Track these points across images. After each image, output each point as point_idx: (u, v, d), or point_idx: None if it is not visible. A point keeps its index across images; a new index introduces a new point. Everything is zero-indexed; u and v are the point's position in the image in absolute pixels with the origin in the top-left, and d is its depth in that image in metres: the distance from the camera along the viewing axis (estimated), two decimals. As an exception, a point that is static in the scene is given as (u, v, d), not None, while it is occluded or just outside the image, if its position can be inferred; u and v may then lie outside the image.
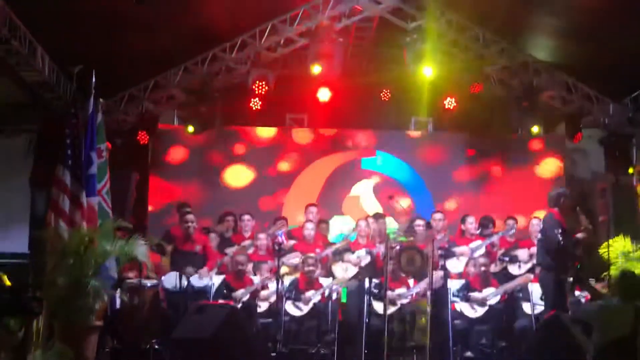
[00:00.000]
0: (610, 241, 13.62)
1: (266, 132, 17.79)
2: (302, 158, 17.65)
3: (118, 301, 12.66)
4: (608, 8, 13.65)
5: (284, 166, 17.67)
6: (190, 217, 14.55)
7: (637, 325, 8.80)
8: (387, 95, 17.14)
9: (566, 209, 12.19)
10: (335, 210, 17.23)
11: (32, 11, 12.53)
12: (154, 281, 13.30)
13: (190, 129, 16.57)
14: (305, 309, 13.53)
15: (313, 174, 17.58)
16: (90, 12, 13.31)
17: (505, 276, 14.15)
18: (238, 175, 17.52)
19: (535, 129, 16.91)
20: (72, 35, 13.59)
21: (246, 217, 15.17)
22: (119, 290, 12.52)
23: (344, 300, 14.15)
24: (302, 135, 17.85)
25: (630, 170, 16.63)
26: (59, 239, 11.54)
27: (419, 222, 14.54)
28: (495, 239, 14.62)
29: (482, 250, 14.42)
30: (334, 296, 13.75)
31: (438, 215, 15.13)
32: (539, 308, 13.25)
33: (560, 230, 12.03)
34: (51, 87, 14.39)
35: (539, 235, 12.35)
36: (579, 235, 12.31)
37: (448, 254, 14.37)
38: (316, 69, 15.45)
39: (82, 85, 12.96)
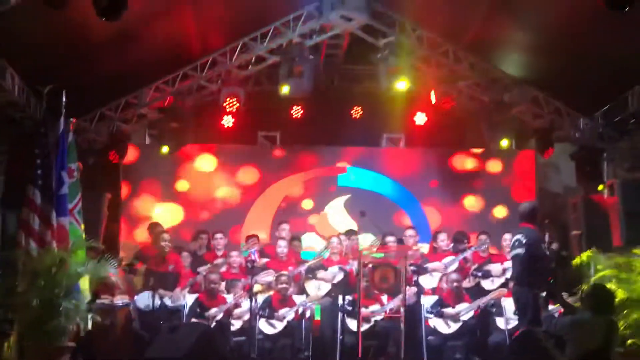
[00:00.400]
0: (582, 255, 13.63)
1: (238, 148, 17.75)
2: (272, 174, 17.56)
3: (90, 322, 12.56)
4: (577, 23, 13.71)
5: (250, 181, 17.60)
6: (166, 236, 14.53)
7: (609, 338, 8.86)
8: (359, 112, 17.22)
9: (538, 222, 12.21)
10: (307, 227, 17.17)
11: (1, 31, 12.45)
12: (126, 301, 13.25)
13: (165, 149, 16.50)
14: (279, 326, 13.50)
15: (281, 191, 17.49)
16: (59, 32, 13.24)
17: (478, 291, 14.18)
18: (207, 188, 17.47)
19: (505, 144, 16.92)
20: (42, 54, 13.51)
21: (218, 235, 15.13)
22: (90, 311, 12.43)
23: (317, 317, 14.14)
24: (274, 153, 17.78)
25: (600, 187, 16.67)
26: (30, 259, 11.49)
27: (391, 238, 14.52)
28: (468, 254, 14.64)
29: (455, 266, 14.44)
30: (308, 314, 13.73)
31: (410, 232, 15.14)
32: (513, 323, 13.26)
33: (545, 246, 12.07)
34: (21, 107, 14.28)
35: (518, 250, 12.34)
36: (553, 247, 12.36)
37: (421, 270, 14.43)
38: (285, 89, 15.40)
39: (53, 104, 12.91)
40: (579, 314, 9.35)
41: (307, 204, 17.47)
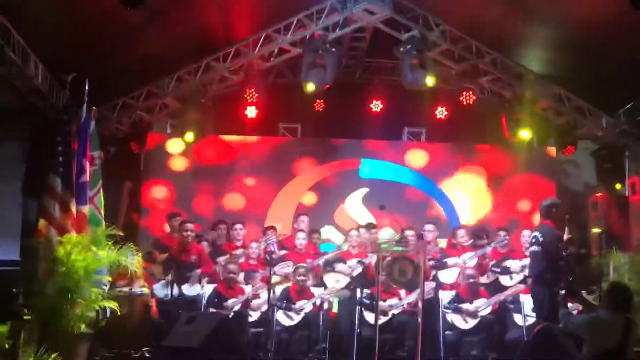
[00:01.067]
0: (603, 253, 13.61)
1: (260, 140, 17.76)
2: (292, 166, 17.59)
3: (108, 310, 12.61)
4: (601, 20, 13.67)
5: (275, 173, 17.60)
6: (189, 225, 14.54)
7: (627, 337, 8.81)
8: (379, 106, 17.23)
9: (557, 219, 12.18)
10: (327, 220, 17.19)
11: (25, 19, 12.51)
12: (145, 290, 13.29)
13: (189, 137, 16.51)
14: (297, 318, 13.51)
15: (303, 183, 17.51)
16: (83, 21, 13.29)
17: (496, 287, 14.16)
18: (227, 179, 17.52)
19: (524, 134, 16.83)
20: (66, 43, 13.57)
21: (238, 225, 15.14)
22: (109, 299, 12.48)
23: (335, 310, 14.15)
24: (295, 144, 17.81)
25: (618, 186, 16.63)
26: (50, 246, 11.53)
27: (410, 232, 14.51)
28: (487, 250, 14.60)
29: (474, 262, 14.41)
30: (326, 306, 13.73)
31: (429, 226, 15.12)
32: (530, 319, 13.27)
33: (562, 243, 12.06)
34: (44, 94, 14.36)
35: (535, 247, 12.32)
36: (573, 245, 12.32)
37: (440, 265, 14.40)
38: (310, 87, 15.36)
39: (75, 93, 12.95)
40: (596, 312, 9.31)
41: (327, 196, 17.47)
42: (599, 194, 16.34)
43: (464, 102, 16.33)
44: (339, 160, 17.61)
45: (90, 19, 13.39)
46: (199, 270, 14.05)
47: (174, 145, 17.22)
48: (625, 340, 8.81)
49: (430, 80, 15.29)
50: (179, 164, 17.37)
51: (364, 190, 17.38)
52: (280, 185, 17.47)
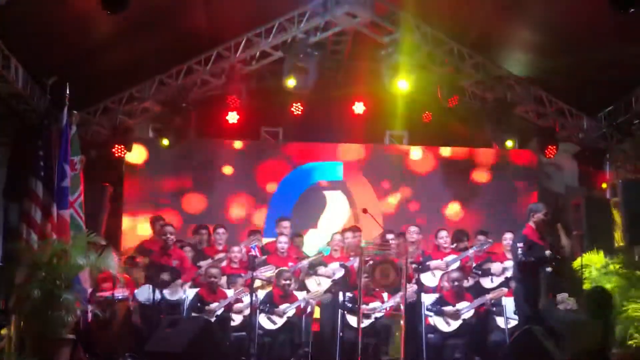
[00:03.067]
0: (585, 255, 13.65)
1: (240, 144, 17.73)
2: (277, 170, 17.57)
3: (90, 314, 12.58)
4: (583, 23, 13.73)
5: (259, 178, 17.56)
6: (169, 229, 14.52)
7: (606, 339, 8.88)
8: (361, 108, 17.21)
9: (548, 225, 12.23)
10: (310, 224, 17.17)
11: (5, 22, 12.46)
12: (126, 294, 13.27)
13: (165, 142, 16.48)
14: (279, 322, 13.49)
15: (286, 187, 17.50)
16: (65, 24, 13.26)
17: (478, 290, 14.19)
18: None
19: (509, 144, 16.90)
20: (47, 47, 13.54)
21: (220, 230, 15.13)
22: (90, 304, 12.45)
23: (317, 314, 14.15)
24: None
25: (604, 185, 16.71)
26: (30, 251, 11.50)
27: (391, 235, 14.52)
28: (470, 253, 14.62)
29: (457, 264, 14.43)
30: (309, 309, 13.73)
31: (413, 229, 15.14)
32: (513, 322, 13.31)
33: (522, 246, 12.17)
34: (25, 98, 14.31)
35: (517, 251, 12.42)
36: (547, 252, 12.37)
37: (423, 267, 14.42)
38: (290, 82, 15.39)
39: (56, 97, 12.91)
40: (577, 314, 9.36)
41: (310, 200, 17.48)
42: (580, 196, 16.37)
43: (447, 105, 16.32)
44: (321, 163, 17.60)
45: (71, 23, 13.35)
46: (180, 281, 14.00)
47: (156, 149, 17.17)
48: (604, 343, 8.88)
49: (405, 85, 15.33)
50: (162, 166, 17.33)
51: (345, 194, 17.38)
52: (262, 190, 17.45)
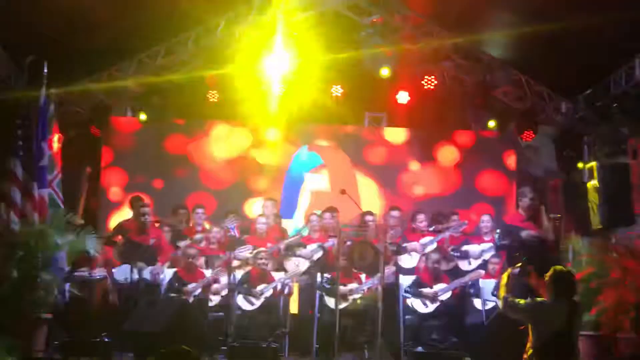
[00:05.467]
0: (561, 238, 13.72)
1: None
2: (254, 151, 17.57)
3: (67, 294, 12.57)
4: (562, 6, 13.75)
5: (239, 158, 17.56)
6: (146, 209, 14.50)
7: (572, 321, 8.95)
8: (339, 90, 17.14)
9: (534, 208, 12.28)
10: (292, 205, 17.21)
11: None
12: (104, 274, 13.27)
13: (142, 117, 16.44)
14: (257, 303, 13.52)
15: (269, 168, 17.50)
16: (43, 3, 13.20)
17: (455, 272, 14.25)
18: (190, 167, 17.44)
19: (491, 124, 16.92)
20: (25, 25, 13.47)
21: (199, 210, 15.14)
22: (68, 284, 12.43)
23: (295, 294, 14.19)
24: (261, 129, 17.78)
25: (580, 165, 16.76)
26: (10, 231, 11.48)
27: (370, 217, 14.54)
28: (446, 235, 14.67)
29: (433, 246, 14.47)
30: (286, 290, 13.76)
31: (394, 212, 15.17)
32: (490, 304, 13.39)
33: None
34: (2, 78, 14.26)
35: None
36: (524, 233, 12.45)
37: (400, 249, 14.45)
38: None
39: (34, 76, 12.86)
40: (541, 298, 9.41)
41: (290, 181, 17.49)
42: (558, 180, 16.44)
43: (425, 87, 16.32)
44: (300, 145, 17.61)
45: (51, 1, 13.30)
46: (159, 264, 13.98)
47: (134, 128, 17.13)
48: (570, 324, 8.94)
49: (385, 70, 15.38)
50: (137, 146, 17.29)
51: (324, 175, 17.39)
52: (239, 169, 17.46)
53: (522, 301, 9.18)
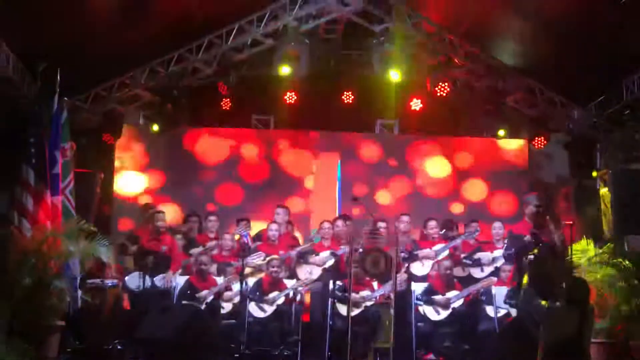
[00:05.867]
0: (574, 245, 13.67)
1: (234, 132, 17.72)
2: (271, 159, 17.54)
3: (80, 301, 12.57)
4: (574, 14, 13.74)
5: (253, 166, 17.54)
6: (161, 216, 14.51)
7: (582, 328, 8.96)
8: (350, 97, 17.13)
9: (540, 216, 12.25)
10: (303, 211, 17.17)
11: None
12: (116, 281, 13.29)
13: (155, 127, 16.46)
14: (269, 310, 13.52)
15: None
16: (56, 10, 13.22)
17: (468, 279, 14.23)
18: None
19: (501, 133, 16.93)
20: (38, 32, 13.50)
21: (212, 217, 15.14)
22: (81, 291, 12.43)
23: (307, 301, 14.19)
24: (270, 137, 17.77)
25: (594, 174, 16.74)
26: (22, 238, 11.50)
27: (382, 224, 14.52)
28: (458, 242, 14.64)
29: (446, 253, 14.45)
30: (298, 298, 13.75)
31: (405, 218, 15.15)
32: (502, 311, 13.38)
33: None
34: (15, 84, 14.27)
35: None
36: (526, 238, 12.48)
37: (412, 257, 14.43)
38: (284, 70, 15.42)
39: (47, 83, 12.88)
40: (555, 303, 9.43)
41: (302, 188, 17.47)
42: (570, 186, 16.41)
43: (438, 94, 16.29)
44: (312, 151, 17.58)
45: (63, 9, 13.32)
46: (170, 272, 14.00)
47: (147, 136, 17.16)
48: (581, 332, 8.96)
49: (396, 75, 15.37)
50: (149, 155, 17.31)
51: (337, 181, 17.34)
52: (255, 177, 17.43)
53: (543, 302, 9.23)
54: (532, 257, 11.55)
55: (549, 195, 16.98)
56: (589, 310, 9.17)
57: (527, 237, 13.16)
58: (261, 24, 15.69)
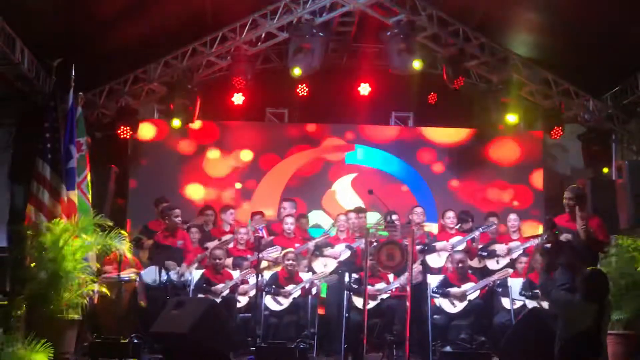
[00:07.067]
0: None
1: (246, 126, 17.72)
2: (281, 152, 17.53)
3: (96, 295, 12.59)
4: (589, 4, 13.70)
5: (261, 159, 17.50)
6: (177, 211, 14.53)
7: (599, 321, 8.94)
8: (366, 89, 17.13)
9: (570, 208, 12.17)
10: (314, 205, 17.14)
11: (10, 4, 12.45)
12: (132, 275, 13.33)
13: (177, 122, 16.41)
14: (285, 303, 13.54)
15: (289, 168, 17.46)
16: (69, 5, 13.25)
17: (483, 271, 14.22)
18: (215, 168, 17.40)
19: (511, 118, 16.74)
20: (52, 28, 13.52)
21: (229, 210, 15.18)
22: (97, 285, 12.46)
23: (323, 294, 14.20)
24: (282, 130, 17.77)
25: (605, 170, 16.68)
26: (39, 232, 11.54)
27: (396, 216, 14.48)
28: (476, 234, 14.60)
29: (463, 246, 14.43)
30: (314, 291, 13.77)
31: (419, 209, 15.14)
32: (518, 303, 13.37)
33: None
34: (30, 80, 14.29)
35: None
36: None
37: (428, 249, 14.42)
38: (296, 71, 15.41)
39: (62, 78, 12.91)
40: (573, 295, 9.39)
41: (315, 181, 17.42)
42: (585, 178, 16.34)
43: (452, 87, 16.24)
44: (327, 145, 17.56)
45: (76, 4, 13.35)
46: (185, 264, 14.03)
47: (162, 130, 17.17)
48: (598, 325, 8.93)
49: (417, 64, 15.34)
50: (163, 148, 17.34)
51: (352, 175, 17.33)
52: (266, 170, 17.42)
53: (561, 293, 9.23)
54: (548, 245, 11.46)
55: (565, 187, 16.91)
56: (607, 304, 9.15)
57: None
58: (275, 17, 15.68)
